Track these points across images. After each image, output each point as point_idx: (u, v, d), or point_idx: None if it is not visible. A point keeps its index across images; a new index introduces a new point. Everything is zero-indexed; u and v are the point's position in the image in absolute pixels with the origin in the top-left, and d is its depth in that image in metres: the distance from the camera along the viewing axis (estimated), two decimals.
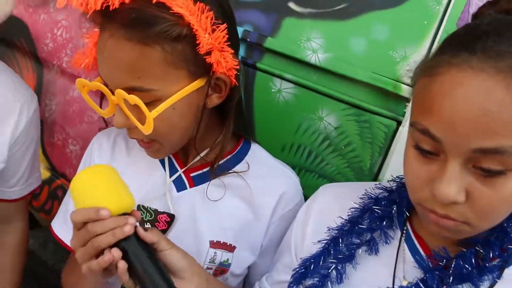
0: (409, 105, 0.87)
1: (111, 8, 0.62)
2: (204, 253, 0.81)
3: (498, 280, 0.59)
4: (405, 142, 0.63)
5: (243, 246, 0.84)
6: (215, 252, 0.81)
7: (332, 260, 0.69)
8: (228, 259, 0.82)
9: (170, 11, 0.64)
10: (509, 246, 0.60)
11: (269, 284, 0.81)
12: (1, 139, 0.91)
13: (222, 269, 0.82)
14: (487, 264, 0.59)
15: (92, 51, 0.73)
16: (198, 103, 0.73)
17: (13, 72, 0.99)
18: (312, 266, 0.70)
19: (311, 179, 0.95)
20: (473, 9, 0.83)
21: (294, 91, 0.95)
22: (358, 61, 0.90)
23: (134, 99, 0.66)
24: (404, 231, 0.69)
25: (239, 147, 0.85)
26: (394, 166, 0.88)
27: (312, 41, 0.94)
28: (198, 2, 0.66)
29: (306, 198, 0.93)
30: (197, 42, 0.66)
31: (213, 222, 0.82)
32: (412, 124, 0.55)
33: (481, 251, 0.60)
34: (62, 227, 0.88)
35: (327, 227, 0.72)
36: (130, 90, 0.67)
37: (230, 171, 0.81)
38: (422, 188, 0.55)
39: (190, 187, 0.83)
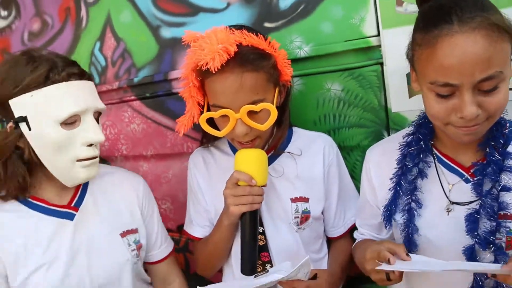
0: (382, 49, 1.19)
1: (227, 59, 0.99)
2: (289, 208, 1.15)
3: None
4: (390, 77, 1.00)
5: (313, 195, 1.18)
6: (296, 205, 1.16)
7: (407, 197, 1.01)
8: (306, 208, 1.17)
9: (262, 52, 1.04)
10: (505, 131, 0.94)
11: (361, 227, 1.17)
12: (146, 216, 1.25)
13: (305, 216, 1.16)
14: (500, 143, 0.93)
15: (193, 100, 1.09)
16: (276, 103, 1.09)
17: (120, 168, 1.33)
18: (393, 206, 1.03)
19: (345, 132, 1.28)
20: None
21: (302, 81, 1.29)
22: (333, 38, 1.24)
23: (262, 105, 1.03)
24: (434, 155, 1.02)
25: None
26: (393, 95, 1.20)
27: (294, 42, 1.28)
28: (268, 41, 1.06)
29: (348, 148, 1.28)
30: (278, 67, 1.07)
31: (287, 185, 1.16)
32: (432, 82, 0.86)
33: (492, 143, 0.93)
34: (189, 226, 1.27)
35: (389, 178, 1.04)
36: (252, 103, 1.03)
37: (286, 151, 1.18)
38: (449, 116, 0.87)
39: None
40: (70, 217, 1.11)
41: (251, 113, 1.03)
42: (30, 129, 1.01)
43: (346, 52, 1.24)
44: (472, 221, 0.93)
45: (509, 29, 0.82)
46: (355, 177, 1.29)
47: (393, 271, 0.91)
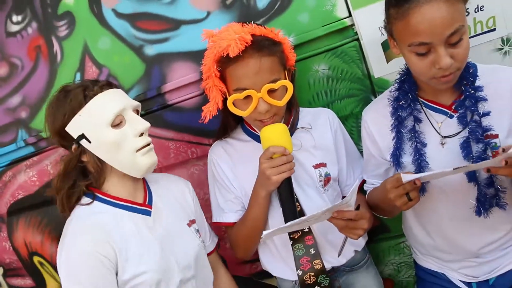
0: (355, 27, 1.40)
1: (245, 46, 1.16)
2: (314, 174, 1.33)
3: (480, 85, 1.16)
4: (368, 48, 1.30)
5: (329, 160, 1.36)
6: (318, 170, 1.33)
7: (411, 141, 1.21)
8: (327, 171, 1.34)
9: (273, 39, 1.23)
10: (471, 71, 1.18)
11: (369, 179, 1.36)
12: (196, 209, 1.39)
13: (327, 178, 1.34)
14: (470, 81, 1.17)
15: (216, 88, 1.24)
16: None
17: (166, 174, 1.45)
18: (399, 151, 1.23)
19: (338, 104, 1.48)
20: None
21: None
22: (311, 26, 1.43)
23: (280, 82, 1.20)
24: (421, 102, 1.23)
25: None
26: (373, 63, 1.42)
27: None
28: (274, 31, 1.24)
29: (343, 118, 1.47)
30: (285, 52, 1.25)
31: (307, 156, 1.33)
32: (410, 44, 1.07)
33: (464, 81, 1.16)
34: (220, 216, 1.38)
35: (387, 129, 1.25)
36: (270, 82, 1.18)
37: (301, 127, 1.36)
38: (430, 69, 1.09)
39: None
40: (148, 213, 1.25)
41: (270, 92, 1.19)
42: (90, 142, 1.17)
43: (326, 35, 1.44)
44: (466, 146, 1.15)
45: None
46: (354, 141, 1.48)
47: (414, 191, 1.10)
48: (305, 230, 1.30)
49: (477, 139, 1.15)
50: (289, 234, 1.30)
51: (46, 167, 1.79)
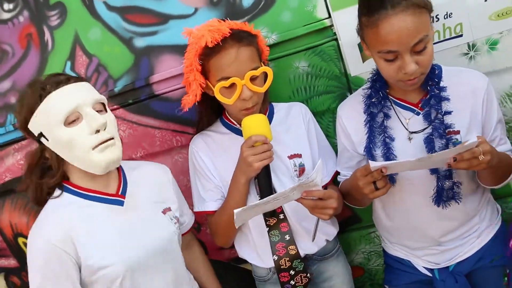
0: (334, 27, 1.51)
1: (222, 38, 1.27)
2: (288, 164, 1.43)
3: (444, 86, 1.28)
4: (345, 49, 1.43)
5: (303, 151, 1.46)
6: (293, 161, 1.43)
7: (380, 135, 1.33)
8: (301, 162, 1.45)
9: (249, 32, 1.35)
10: (436, 73, 1.30)
11: (342, 171, 1.47)
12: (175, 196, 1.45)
13: (302, 168, 1.44)
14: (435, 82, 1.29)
15: (196, 82, 1.33)
16: None
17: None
18: (371, 144, 1.34)
19: (316, 100, 1.58)
20: None
21: (274, 64, 1.56)
22: (293, 25, 1.53)
23: (261, 69, 1.32)
24: (391, 100, 1.35)
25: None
26: (349, 62, 1.52)
27: (262, 32, 1.53)
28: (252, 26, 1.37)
29: (321, 113, 1.57)
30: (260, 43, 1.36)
31: (281, 147, 1.42)
32: (379, 51, 1.20)
33: (430, 82, 1.29)
34: (201, 205, 1.47)
35: (359, 124, 1.37)
36: (252, 70, 1.29)
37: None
38: (397, 74, 1.21)
39: None
40: (120, 203, 1.30)
41: (251, 80, 1.30)
42: (48, 140, 1.22)
43: (306, 34, 1.54)
44: (429, 142, 1.28)
45: (425, 5, 1.18)
46: (330, 135, 1.59)
47: (381, 180, 1.22)
48: (281, 217, 1.40)
49: (440, 135, 1.27)
50: (266, 221, 1.40)
51: None
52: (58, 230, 1.20)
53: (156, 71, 1.66)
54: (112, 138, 1.24)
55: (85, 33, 1.70)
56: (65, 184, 1.29)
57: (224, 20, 1.33)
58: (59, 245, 1.18)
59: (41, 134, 1.22)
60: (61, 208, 1.24)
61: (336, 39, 1.52)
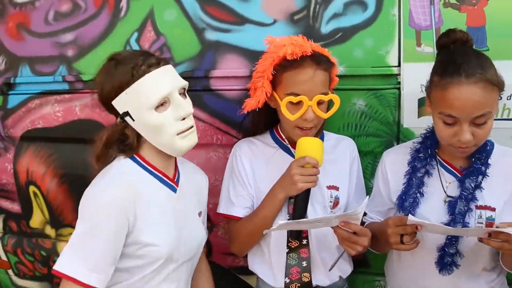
0: (399, 78, 1.55)
1: (302, 54, 1.31)
2: (326, 193, 1.45)
3: (490, 163, 1.33)
4: (405, 99, 1.48)
5: (341, 185, 1.48)
6: (330, 192, 1.46)
7: (415, 189, 1.37)
8: (337, 195, 1.46)
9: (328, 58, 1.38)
10: (487, 148, 1.34)
11: (371, 213, 1.50)
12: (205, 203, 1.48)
13: (336, 201, 1.46)
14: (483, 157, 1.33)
15: (263, 90, 1.35)
16: None
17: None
18: (404, 195, 1.38)
19: (362, 139, 1.62)
20: (414, 14, 1.52)
21: (335, 93, 1.58)
22: (362, 63, 1.58)
23: (330, 96, 1.35)
24: (437, 160, 1.39)
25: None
26: (405, 114, 1.57)
27: None
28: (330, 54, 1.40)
29: (363, 153, 1.61)
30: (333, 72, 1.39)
31: (323, 175, 1.41)
32: (441, 112, 1.23)
33: (477, 155, 1.33)
34: (229, 208, 1.47)
35: (401, 174, 1.40)
36: (321, 94, 1.32)
37: None
38: (451, 138, 1.25)
39: None
40: (174, 189, 1.32)
41: (318, 104, 1.33)
42: (134, 120, 1.23)
43: (372, 76, 1.58)
44: (451, 205, 1.32)
45: (498, 84, 1.22)
46: (366, 177, 1.62)
47: (409, 236, 1.23)
48: (303, 243, 1.42)
49: (464, 204, 1.30)
50: (287, 242, 1.42)
51: (75, 107, 1.89)
52: (127, 192, 1.20)
53: (217, 67, 1.70)
54: (193, 126, 1.27)
55: (161, 11, 1.74)
56: (135, 156, 1.29)
57: (308, 40, 1.37)
58: (125, 205, 1.19)
59: (127, 113, 1.23)
60: (127, 175, 1.25)
61: (399, 88, 1.57)
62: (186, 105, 1.24)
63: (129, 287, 1.25)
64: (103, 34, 1.82)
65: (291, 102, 1.32)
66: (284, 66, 1.33)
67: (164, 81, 1.22)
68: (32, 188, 2.04)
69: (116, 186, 1.21)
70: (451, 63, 1.24)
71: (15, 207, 2.11)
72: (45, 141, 1.97)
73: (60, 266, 1.16)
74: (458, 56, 1.25)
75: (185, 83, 1.28)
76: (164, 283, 1.28)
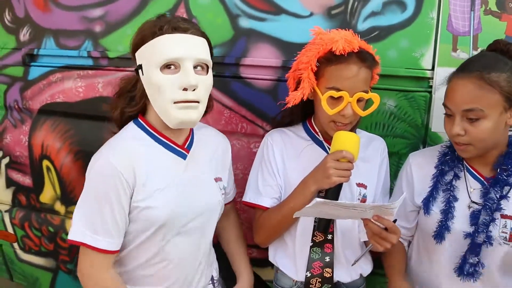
0: (432, 81, 1.56)
1: (350, 50, 1.29)
2: (355, 190, 1.44)
3: None
4: (436, 103, 1.50)
5: (369, 184, 1.48)
6: (359, 189, 1.46)
7: (445, 192, 1.38)
8: (365, 193, 1.47)
9: (373, 57, 1.35)
10: None
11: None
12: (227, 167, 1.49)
13: (363, 199, 1.46)
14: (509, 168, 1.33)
15: (308, 81, 1.34)
16: None
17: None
18: (431, 198, 1.39)
19: (389, 140, 1.61)
20: (452, 19, 1.52)
21: None
22: (396, 64, 1.57)
23: (371, 94, 1.33)
24: (464, 165, 1.40)
25: None
26: (435, 118, 1.57)
27: None
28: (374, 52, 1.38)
29: (389, 153, 1.61)
30: (375, 71, 1.38)
31: (355, 171, 1.39)
32: (442, 104, 1.29)
33: (504, 166, 1.33)
34: (256, 197, 1.47)
35: (426, 176, 1.41)
36: (362, 92, 1.30)
37: None
38: (449, 132, 1.29)
39: None
40: (183, 156, 1.33)
41: (358, 101, 1.32)
42: (143, 74, 1.24)
43: (405, 77, 1.58)
44: (474, 216, 1.33)
45: (501, 88, 1.22)
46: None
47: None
48: (329, 238, 1.42)
49: (488, 213, 1.31)
50: (312, 236, 1.42)
51: (97, 84, 1.86)
52: (124, 157, 1.22)
53: (249, 55, 1.69)
54: (197, 102, 1.23)
55: None
56: (140, 120, 1.31)
57: (355, 35, 1.36)
58: (121, 170, 1.20)
59: (140, 66, 1.24)
60: (130, 140, 1.27)
61: (430, 92, 1.57)
62: (193, 77, 1.19)
63: (136, 249, 1.29)
64: (133, 12, 1.79)
65: (331, 97, 1.31)
66: (329, 59, 1.31)
67: (180, 46, 1.20)
68: (45, 163, 2.01)
69: (112, 151, 1.24)
70: (466, 61, 1.30)
71: (26, 180, 2.08)
72: (63, 116, 1.95)
73: (71, 234, 1.23)
74: (477, 56, 1.30)
75: (206, 58, 1.25)
76: (168, 245, 1.29)
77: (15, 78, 2.02)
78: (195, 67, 1.22)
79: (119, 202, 1.21)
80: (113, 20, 1.82)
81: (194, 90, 1.21)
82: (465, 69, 1.26)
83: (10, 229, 2.18)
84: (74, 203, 2.02)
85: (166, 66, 1.19)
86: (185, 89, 1.20)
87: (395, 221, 1.26)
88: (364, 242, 1.45)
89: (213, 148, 1.44)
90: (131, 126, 1.32)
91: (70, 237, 1.22)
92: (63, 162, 1.98)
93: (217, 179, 1.41)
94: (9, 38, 2.03)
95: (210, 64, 1.28)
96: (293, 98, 1.37)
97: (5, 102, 2.07)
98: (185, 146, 1.34)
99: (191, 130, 1.39)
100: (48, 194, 2.05)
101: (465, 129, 1.24)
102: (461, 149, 1.30)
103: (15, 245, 2.21)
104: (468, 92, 1.22)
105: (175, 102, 1.20)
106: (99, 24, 1.84)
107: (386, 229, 1.27)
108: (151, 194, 1.24)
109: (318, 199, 1.18)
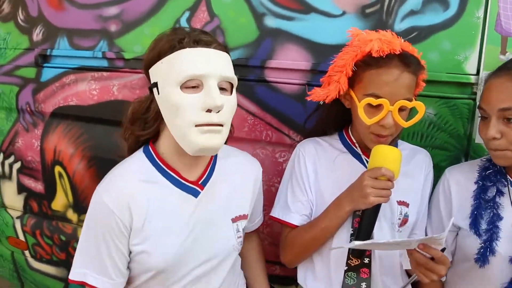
0: (476, 87, 1.41)
1: (390, 52, 1.16)
2: (395, 209, 1.30)
3: None
4: None
5: (412, 202, 1.33)
6: (400, 208, 1.31)
7: (489, 210, 1.24)
8: (407, 212, 1.32)
9: (419, 60, 1.22)
10: None
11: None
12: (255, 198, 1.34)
13: (405, 219, 1.32)
14: None
15: (337, 86, 1.22)
16: None
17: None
18: (477, 217, 1.25)
19: (429, 151, 1.44)
20: (502, 18, 1.38)
21: None
22: (437, 68, 1.43)
23: (415, 103, 1.19)
24: (508, 180, 1.26)
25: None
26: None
27: None
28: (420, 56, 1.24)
29: None
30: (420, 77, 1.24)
31: (395, 189, 1.25)
32: (478, 107, 1.18)
33: None
34: (284, 214, 1.35)
35: (465, 192, 1.28)
36: (405, 100, 1.16)
37: None
38: (484, 136, 1.17)
39: None
40: (195, 193, 1.18)
41: (399, 110, 1.18)
42: (158, 93, 1.09)
43: (446, 83, 1.44)
44: None
45: None
46: None
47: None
48: (365, 262, 1.29)
49: None
50: (347, 259, 1.28)
51: (112, 87, 1.76)
52: (118, 196, 1.10)
53: (275, 57, 1.56)
54: (221, 125, 1.08)
55: None
56: (149, 147, 1.18)
57: (398, 37, 1.22)
58: (114, 210, 1.09)
59: (156, 84, 1.10)
60: (131, 174, 1.14)
61: (474, 99, 1.43)
62: (218, 98, 1.05)
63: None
64: (151, 11, 1.68)
65: (369, 104, 1.18)
66: (368, 63, 1.18)
67: (203, 62, 1.06)
68: (57, 169, 1.92)
69: (107, 190, 1.12)
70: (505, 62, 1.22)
71: (38, 186, 1.99)
72: (76, 119, 1.84)
73: (71, 274, 1.15)
74: None
75: (232, 76, 1.11)
76: None
77: (28, 79, 1.93)
78: (219, 86, 1.08)
79: (115, 242, 1.11)
80: (130, 19, 1.71)
81: (218, 111, 1.07)
82: (502, 68, 1.18)
83: (21, 236, 2.09)
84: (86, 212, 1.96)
85: (187, 87, 1.06)
86: (208, 111, 1.05)
87: (443, 249, 1.11)
88: (406, 270, 1.31)
89: (239, 179, 1.28)
90: (138, 155, 1.18)
91: (71, 276, 1.15)
92: (76, 169, 1.88)
93: (236, 219, 1.26)
94: (23, 38, 1.93)
95: (235, 82, 1.14)
96: (316, 95, 1.25)
97: (17, 104, 1.98)
98: (200, 181, 1.19)
99: (211, 162, 1.23)
100: (60, 202, 1.96)
101: (501, 132, 1.14)
102: (497, 155, 1.17)
103: (27, 253, 2.12)
104: (504, 90, 1.13)
105: (196, 125, 1.05)
106: (114, 23, 1.74)
107: (432, 258, 1.12)
108: (149, 238, 1.12)
109: (356, 243, 1.05)
